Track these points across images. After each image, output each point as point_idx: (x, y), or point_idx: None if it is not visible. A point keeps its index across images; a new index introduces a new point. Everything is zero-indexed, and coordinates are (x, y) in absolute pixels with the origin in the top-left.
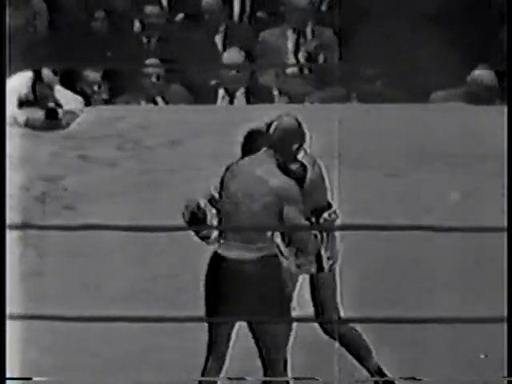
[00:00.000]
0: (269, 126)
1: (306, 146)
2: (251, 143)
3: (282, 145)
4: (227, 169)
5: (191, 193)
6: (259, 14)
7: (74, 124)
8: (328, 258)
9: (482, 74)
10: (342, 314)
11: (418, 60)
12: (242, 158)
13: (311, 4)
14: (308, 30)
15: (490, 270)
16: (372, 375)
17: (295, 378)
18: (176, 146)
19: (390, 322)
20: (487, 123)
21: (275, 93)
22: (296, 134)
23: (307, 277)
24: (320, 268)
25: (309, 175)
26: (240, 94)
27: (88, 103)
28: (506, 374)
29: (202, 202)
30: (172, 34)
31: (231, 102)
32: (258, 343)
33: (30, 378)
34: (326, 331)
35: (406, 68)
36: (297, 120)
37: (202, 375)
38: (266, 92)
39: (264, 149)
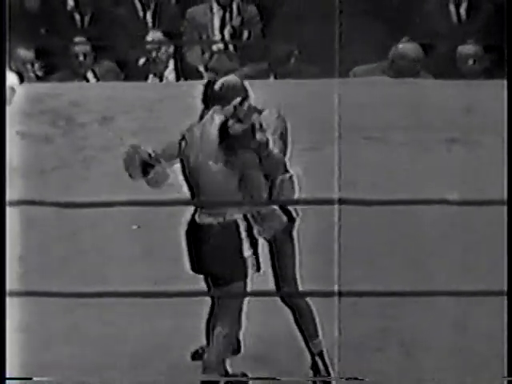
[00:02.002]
0: (213, 83)
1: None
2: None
3: (227, 99)
4: (183, 137)
5: (123, 168)
6: None
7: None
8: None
9: (407, 47)
10: (300, 286)
11: (344, 35)
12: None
13: None
14: (234, 6)
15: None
16: (313, 357)
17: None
18: (108, 123)
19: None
20: (412, 96)
21: (201, 69)
22: (240, 89)
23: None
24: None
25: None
26: (169, 71)
27: (21, 80)
28: (506, 374)
29: (152, 152)
30: (104, 11)
31: (160, 79)
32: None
33: (30, 378)
34: (283, 300)
35: (324, 43)
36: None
37: None
38: (193, 69)
39: (213, 108)
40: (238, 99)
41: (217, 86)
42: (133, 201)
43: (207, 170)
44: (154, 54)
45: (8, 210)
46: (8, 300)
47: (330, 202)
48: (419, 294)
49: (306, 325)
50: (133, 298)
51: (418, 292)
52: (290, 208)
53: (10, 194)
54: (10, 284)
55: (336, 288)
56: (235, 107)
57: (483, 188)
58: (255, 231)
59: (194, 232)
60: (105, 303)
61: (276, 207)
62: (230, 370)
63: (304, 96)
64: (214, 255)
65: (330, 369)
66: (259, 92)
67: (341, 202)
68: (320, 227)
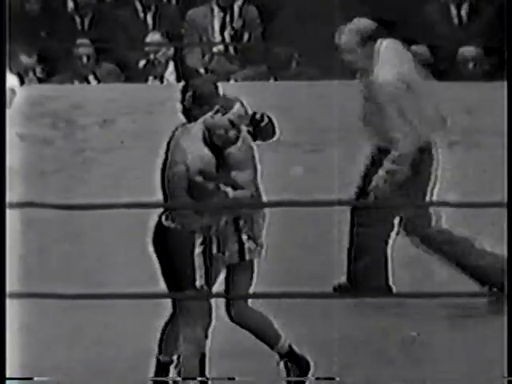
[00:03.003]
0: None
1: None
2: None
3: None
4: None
5: (123, 171)
6: None
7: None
8: (256, 245)
9: (417, 51)
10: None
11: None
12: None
13: None
14: (235, 8)
15: None
16: (282, 358)
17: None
18: (108, 125)
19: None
20: None
21: (202, 71)
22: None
23: None
24: (242, 257)
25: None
26: (169, 73)
27: (22, 82)
28: (506, 374)
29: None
30: (104, 14)
31: (161, 81)
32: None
33: (30, 378)
34: (232, 318)
35: (325, 45)
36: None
37: None
38: (193, 70)
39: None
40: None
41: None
42: (133, 203)
43: None
44: (152, 57)
45: (8, 211)
46: (8, 301)
47: (329, 203)
48: (419, 296)
49: (264, 335)
50: (134, 300)
51: (418, 293)
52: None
53: (10, 196)
54: (10, 286)
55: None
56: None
57: (483, 190)
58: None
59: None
60: (105, 305)
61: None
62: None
63: (304, 98)
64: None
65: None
66: (259, 94)
67: (340, 203)
68: (320, 228)
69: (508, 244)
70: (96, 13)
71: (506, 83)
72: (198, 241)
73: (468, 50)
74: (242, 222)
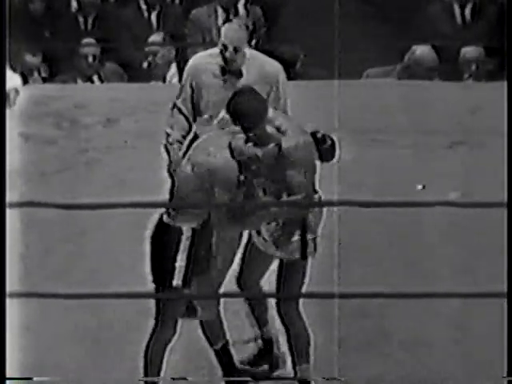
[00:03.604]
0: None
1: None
2: None
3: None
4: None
5: (127, 171)
6: None
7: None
8: (313, 242)
9: (424, 53)
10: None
11: (351, 37)
12: None
13: None
14: (239, 8)
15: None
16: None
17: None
18: (112, 125)
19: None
20: (416, 97)
21: None
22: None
23: None
24: (303, 255)
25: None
26: (170, 74)
27: (25, 81)
28: (506, 373)
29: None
30: (108, 13)
31: (163, 81)
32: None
33: (30, 378)
34: (282, 319)
35: (330, 46)
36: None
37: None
38: None
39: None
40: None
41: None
42: (136, 202)
43: None
44: (150, 58)
45: (11, 211)
46: (8, 301)
47: (330, 203)
48: (420, 296)
49: (297, 343)
50: (136, 299)
51: (419, 294)
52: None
53: (12, 196)
54: (11, 285)
55: (336, 290)
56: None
57: (486, 190)
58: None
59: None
60: (107, 304)
61: None
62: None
63: (308, 98)
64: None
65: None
66: None
67: (341, 203)
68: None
69: (508, 244)
70: (99, 12)
71: (505, 83)
72: (185, 239)
73: (471, 50)
74: (307, 219)
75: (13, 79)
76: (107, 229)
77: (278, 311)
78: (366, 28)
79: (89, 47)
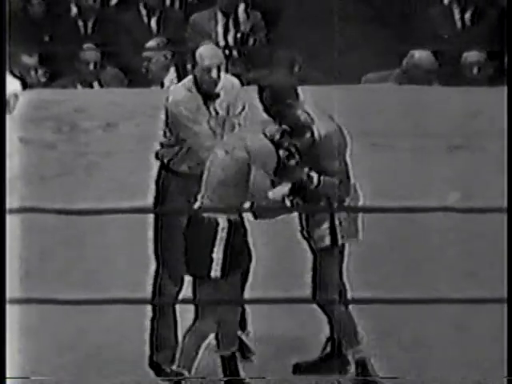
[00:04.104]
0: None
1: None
2: None
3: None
4: None
5: (127, 175)
6: None
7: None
8: (342, 236)
9: (422, 57)
10: (348, 294)
11: (350, 41)
12: None
13: None
14: (239, 13)
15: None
16: (355, 364)
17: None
18: (112, 129)
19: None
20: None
21: None
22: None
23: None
24: (334, 240)
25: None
26: (168, 78)
27: (25, 86)
28: (506, 373)
29: None
30: (107, 18)
31: (161, 86)
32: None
33: (29, 378)
34: (323, 309)
35: (329, 49)
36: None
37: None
38: None
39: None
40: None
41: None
42: (136, 208)
43: None
44: (145, 63)
45: (11, 216)
46: (8, 307)
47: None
48: (421, 301)
49: (343, 332)
50: (135, 305)
51: (420, 299)
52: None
53: (12, 201)
54: (11, 291)
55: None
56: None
57: (486, 194)
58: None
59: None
60: (107, 310)
61: None
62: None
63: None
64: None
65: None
66: None
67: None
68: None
69: (508, 248)
70: (99, 17)
71: (505, 88)
72: (221, 230)
73: (472, 55)
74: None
75: (12, 84)
76: (107, 234)
77: (317, 302)
78: (365, 32)
79: (89, 52)
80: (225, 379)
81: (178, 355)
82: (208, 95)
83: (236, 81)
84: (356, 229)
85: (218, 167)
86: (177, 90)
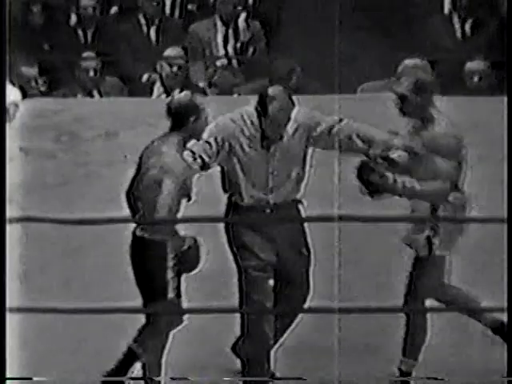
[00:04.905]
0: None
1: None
2: None
3: (183, 119)
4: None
5: (127, 184)
6: (190, 6)
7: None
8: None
9: (416, 65)
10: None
11: (349, 51)
12: None
13: None
14: (239, 22)
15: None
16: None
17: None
18: (112, 138)
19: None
20: None
21: (202, 84)
22: (191, 108)
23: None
24: (430, 250)
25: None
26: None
27: (25, 95)
28: (506, 374)
29: None
30: (107, 27)
31: (167, 93)
32: None
33: (30, 378)
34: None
35: (327, 59)
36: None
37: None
38: (197, 85)
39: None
40: (192, 118)
41: (172, 106)
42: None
43: None
44: (145, 77)
45: (11, 226)
46: (8, 316)
47: (330, 219)
48: (416, 310)
49: (411, 340)
50: (135, 314)
51: (418, 309)
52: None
53: (12, 211)
54: (11, 301)
55: (336, 304)
56: (190, 126)
57: (486, 205)
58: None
59: None
60: (107, 319)
61: None
62: None
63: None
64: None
65: None
66: None
67: (341, 218)
68: (322, 244)
69: (508, 236)
70: (99, 26)
71: (505, 98)
72: (170, 254)
73: (473, 64)
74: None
75: (12, 93)
76: (107, 243)
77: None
78: (365, 42)
79: (89, 61)
80: (226, 380)
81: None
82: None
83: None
84: (457, 240)
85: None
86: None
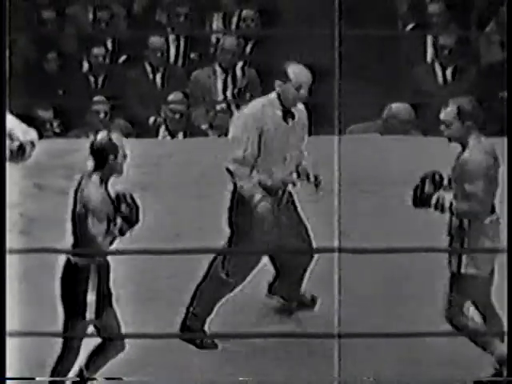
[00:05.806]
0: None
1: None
2: None
3: (102, 157)
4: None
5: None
6: (192, 55)
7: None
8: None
9: (399, 108)
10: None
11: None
12: None
13: (238, 45)
14: (237, 70)
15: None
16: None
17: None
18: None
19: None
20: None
21: (204, 127)
22: (110, 147)
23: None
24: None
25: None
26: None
27: (41, 136)
28: (505, 374)
29: None
30: (116, 74)
31: (172, 136)
32: None
33: (30, 378)
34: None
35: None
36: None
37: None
38: (199, 127)
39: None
40: (112, 157)
41: (94, 147)
42: (142, 249)
43: None
44: (151, 119)
45: (30, 256)
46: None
47: (330, 250)
48: (413, 335)
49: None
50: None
51: (412, 333)
52: None
53: (27, 242)
54: (11, 325)
55: (336, 330)
56: (110, 164)
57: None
58: None
59: None
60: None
61: None
62: None
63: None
64: None
65: None
66: None
67: (340, 250)
68: (321, 274)
69: (508, 263)
70: (109, 73)
71: (505, 139)
72: (92, 277)
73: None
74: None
75: (29, 133)
76: (115, 272)
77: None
78: (353, 88)
79: (99, 104)
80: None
81: None
82: (286, 111)
83: (304, 109)
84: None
85: None
86: (256, 104)
